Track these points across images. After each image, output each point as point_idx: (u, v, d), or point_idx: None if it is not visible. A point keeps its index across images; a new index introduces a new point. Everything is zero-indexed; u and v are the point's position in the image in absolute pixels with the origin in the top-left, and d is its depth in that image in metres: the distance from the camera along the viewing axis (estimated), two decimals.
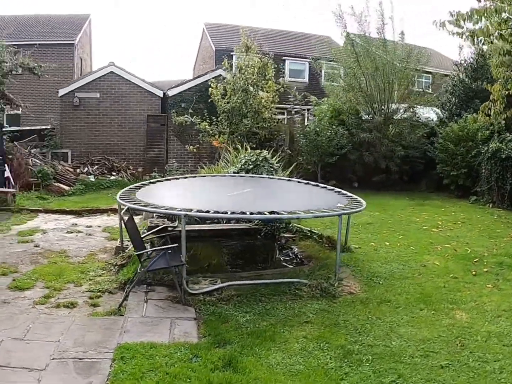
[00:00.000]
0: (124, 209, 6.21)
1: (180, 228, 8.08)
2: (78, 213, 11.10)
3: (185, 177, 9.54)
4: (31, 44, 22.96)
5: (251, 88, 13.14)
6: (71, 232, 9.18)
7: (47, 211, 11.11)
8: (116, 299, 5.65)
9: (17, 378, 3.97)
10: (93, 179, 14.58)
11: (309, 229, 8.09)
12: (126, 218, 5.82)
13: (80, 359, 4.29)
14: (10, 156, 13.21)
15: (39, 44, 23.36)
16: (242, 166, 8.43)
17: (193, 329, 4.87)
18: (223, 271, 6.49)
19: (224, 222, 7.52)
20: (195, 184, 8.35)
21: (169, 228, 8.28)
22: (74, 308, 5.47)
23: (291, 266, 6.89)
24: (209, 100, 14.24)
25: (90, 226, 9.77)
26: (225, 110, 13.30)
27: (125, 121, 16.84)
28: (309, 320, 4.97)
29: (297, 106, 15.85)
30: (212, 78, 14.55)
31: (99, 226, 9.73)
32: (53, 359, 4.29)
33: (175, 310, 5.34)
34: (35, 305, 5.54)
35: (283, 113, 18.27)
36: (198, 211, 5.64)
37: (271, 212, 5.52)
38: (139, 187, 7.61)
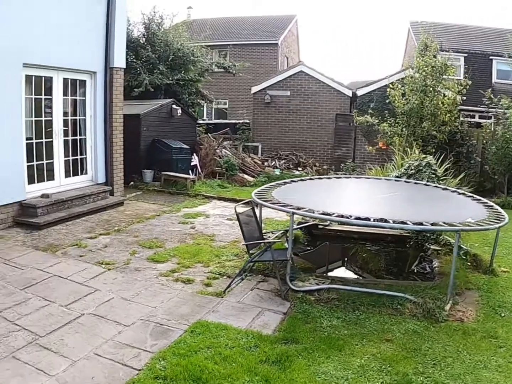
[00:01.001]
0: (241, 203, 6.88)
1: (333, 227, 8.56)
2: (247, 203, 12.14)
3: (339, 177, 9.84)
4: (237, 44, 26.23)
5: (430, 89, 12.70)
6: (230, 220, 10.13)
7: (220, 198, 12.41)
8: (227, 281, 6.24)
9: (103, 327, 4.90)
10: (278, 173, 15.67)
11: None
12: (241, 210, 6.45)
13: (161, 324, 5.01)
14: (201, 146, 15.22)
15: (246, 44, 26.61)
16: (405, 171, 8.44)
17: (274, 322, 5.16)
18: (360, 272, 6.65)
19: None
20: (343, 185, 8.58)
21: (320, 226, 8.76)
22: (189, 284, 6.23)
23: (419, 280, 6.64)
24: (387, 101, 14.20)
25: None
26: (403, 111, 13.10)
27: (314, 119, 17.76)
28: (392, 338, 4.81)
29: (493, 110, 14.52)
30: (396, 79, 14.42)
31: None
32: (140, 320, 5.10)
33: (271, 302, 5.70)
34: (159, 276, 6.49)
35: (486, 117, 16.90)
36: (307, 210, 5.88)
37: (376, 220, 5.45)
38: (284, 184, 8.21)
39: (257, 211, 7.23)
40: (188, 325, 4.99)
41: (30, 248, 7.43)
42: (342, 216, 5.61)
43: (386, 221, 5.45)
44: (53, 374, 4.00)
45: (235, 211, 6.29)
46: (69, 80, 10.08)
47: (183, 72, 16.09)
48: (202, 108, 23.26)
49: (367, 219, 5.50)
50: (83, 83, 10.47)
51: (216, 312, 5.37)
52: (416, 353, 4.53)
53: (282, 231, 8.31)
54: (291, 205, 6.13)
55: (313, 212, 5.84)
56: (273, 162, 16.93)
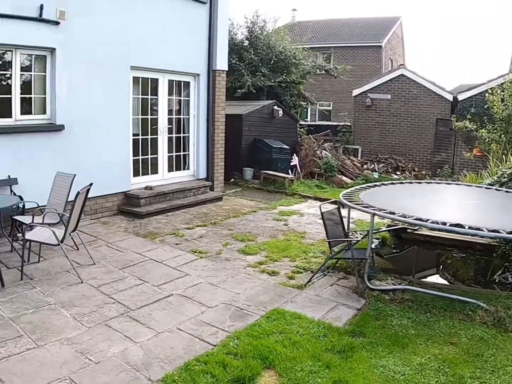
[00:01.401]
0: (327, 202, 7.12)
1: (422, 232, 8.52)
2: (342, 204, 12.27)
3: (429, 182, 9.67)
4: (340, 47, 26.24)
5: None
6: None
7: (316, 198, 12.60)
8: (313, 277, 6.48)
9: (189, 307, 5.38)
10: (376, 176, 15.61)
11: None
12: (328, 209, 6.69)
13: (240, 309, 5.38)
14: (301, 147, 15.55)
15: (349, 46, 26.68)
16: (498, 179, 8.24)
17: (346, 316, 5.33)
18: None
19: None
20: (431, 190, 8.45)
21: (408, 230, 8.73)
22: (273, 276, 6.56)
23: (497, 289, 6.43)
24: (486, 107, 13.57)
25: (344, 217, 10.77)
26: (501, 117, 12.46)
27: (413, 123, 17.51)
28: (457, 342, 4.79)
29: None
30: (497, 84, 13.70)
31: (352, 218, 10.64)
32: (223, 303, 5.51)
33: (347, 298, 5.87)
34: (246, 266, 6.89)
35: None
36: (387, 212, 5.97)
37: (452, 225, 5.39)
38: (374, 186, 8.32)
39: (344, 211, 7.40)
40: (266, 312, 5.32)
41: (131, 234, 8.18)
42: (419, 219, 5.64)
43: (461, 226, 5.40)
44: (138, 341, 4.51)
45: (320, 209, 6.52)
46: (174, 82, 10.88)
47: (284, 74, 16.51)
48: (306, 110, 23.66)
49: (444, 223, 5.49)
50: (187, 84, 11.23)
51: (294, 303, 5.64)
52: (478, 358, 4.50)
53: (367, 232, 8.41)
54: (373, 207, 6.25)
55: (393, 214, 5.92)
56: (372, 165, 16.89)
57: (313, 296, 5.89)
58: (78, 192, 5.84)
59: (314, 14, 76.63)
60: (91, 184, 6.31)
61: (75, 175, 6.83)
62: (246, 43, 16.90)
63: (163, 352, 4.34)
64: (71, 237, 6.70)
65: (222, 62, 11.65)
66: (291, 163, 14.59)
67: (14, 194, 7.43)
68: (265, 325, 4.97)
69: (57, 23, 8.11)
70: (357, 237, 7.90)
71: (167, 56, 10.31)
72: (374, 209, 6.11)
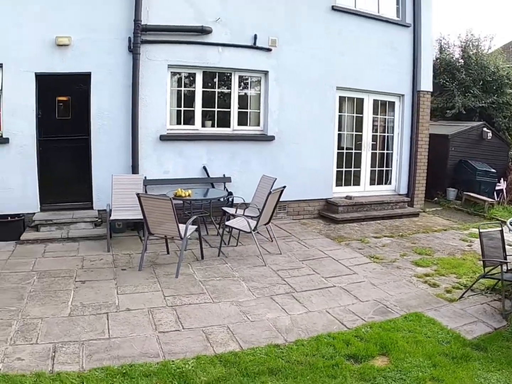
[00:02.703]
0: (491, 223, 7.15)
1: None
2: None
3: None
4: None
5: None
6: (510, 245, 10.07)
7: None
8: (469, 294, 6.76)
9: (344, 297, 6.31)
10: None
11: None
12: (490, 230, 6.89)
13: (386, 307, 6.09)
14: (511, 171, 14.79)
15: None
16: None
17: (479, 332, 5.57)
18: None
19: None
20: None
21: None
22: (432, 287, 6.99)
23: None
24: None
25: None
26: None
27: None
28: None
29: None
30: None
31: None
32: (374, 300, 6.30)
33: (490, 317, 6.05)
34: (412, 276, 7.45)
35: None
36: None
37: None
38: None
39: None
40: (406, 313, 5.92)
41: (322, 235, 9.34)
42: None
43: None
44: (290, 313, 5.66)
45: (478, 229, 6.77)
46: (379, 101, 11.69)
47: (496, 95, 15.70)
48: None
49: None
50: (391, 104, 11.93)
51: (436, 311, 6.09)
52: None
53: None
54: None
55: None
56: None
57: (458, 309, 6.23)
58: (270, 192, 7.21)
59: None
60: (284, 187, 7.62)
61: (275, 178, 8.23)
62: (460, 62, 16.40)
63: (305, 324, 5.40)
64: (268, 231, 8.14)
65: (426, 83, 12.01)
66: (497, 187, 14.05)
67: (227, 190, 9.22)
68: (400, 323, 5.61)
69: (269, 50, 9.70)
70: None
71: (372, 78, 11.19)
72: None
